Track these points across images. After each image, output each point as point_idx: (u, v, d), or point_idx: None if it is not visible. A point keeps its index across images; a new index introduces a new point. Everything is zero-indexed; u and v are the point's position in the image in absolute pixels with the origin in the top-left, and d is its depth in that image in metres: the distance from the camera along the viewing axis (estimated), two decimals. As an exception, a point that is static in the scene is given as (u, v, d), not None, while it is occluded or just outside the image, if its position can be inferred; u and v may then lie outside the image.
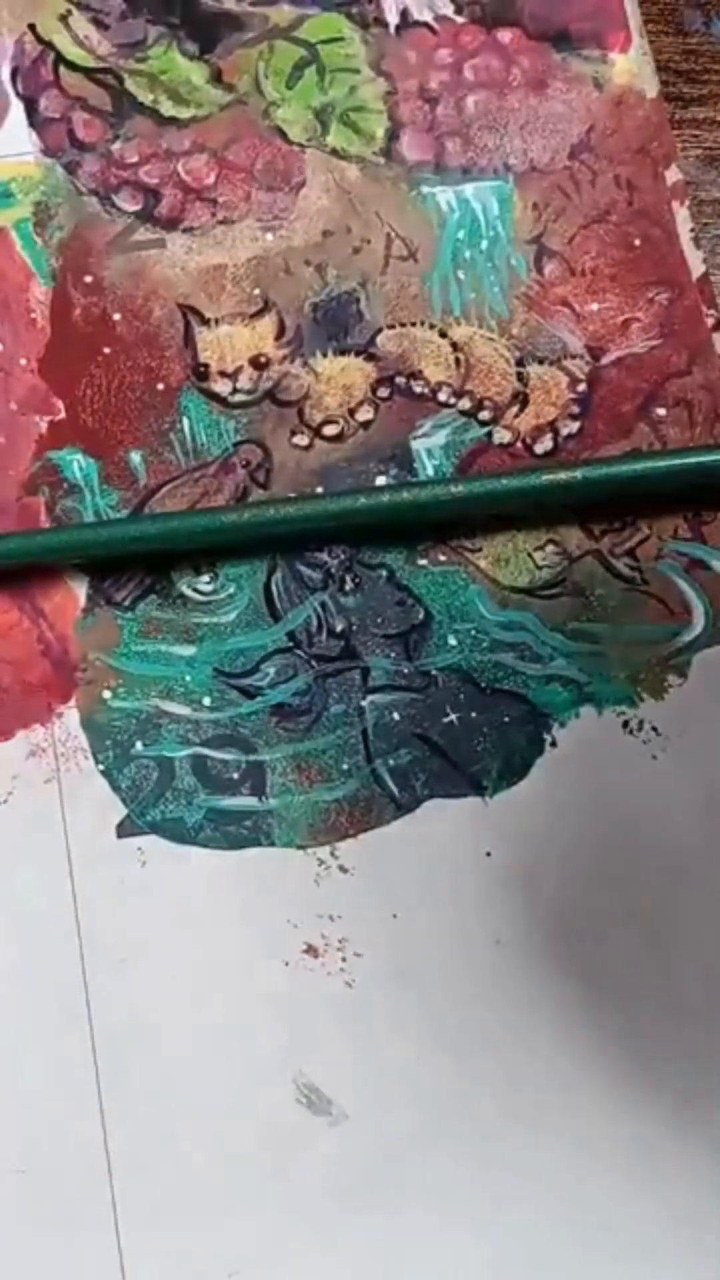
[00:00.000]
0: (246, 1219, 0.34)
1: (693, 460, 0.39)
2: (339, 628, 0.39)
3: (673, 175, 0.43)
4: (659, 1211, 0.35)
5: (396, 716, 0.38)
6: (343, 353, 0.41)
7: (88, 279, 0.41)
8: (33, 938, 0.36)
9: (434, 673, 0.38)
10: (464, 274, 0.42)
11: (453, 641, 0.39)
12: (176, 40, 0.43)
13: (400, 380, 0.41)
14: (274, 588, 0.39)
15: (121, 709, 0.37)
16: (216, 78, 0.43)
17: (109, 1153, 0.34)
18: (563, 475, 0.39)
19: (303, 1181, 0.35)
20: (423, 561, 0.39)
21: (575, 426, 0.41)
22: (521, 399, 0.41)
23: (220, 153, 0.43)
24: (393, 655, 0.38)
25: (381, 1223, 0.35)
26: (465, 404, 0.41)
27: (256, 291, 0.41)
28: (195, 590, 0.39)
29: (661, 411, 0.41)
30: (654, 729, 0.38)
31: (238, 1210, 0.34)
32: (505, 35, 0.44)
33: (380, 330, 0.41)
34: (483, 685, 0.38)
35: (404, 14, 0.44)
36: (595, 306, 0.42)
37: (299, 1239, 0.34)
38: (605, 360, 0.41)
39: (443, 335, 0.41)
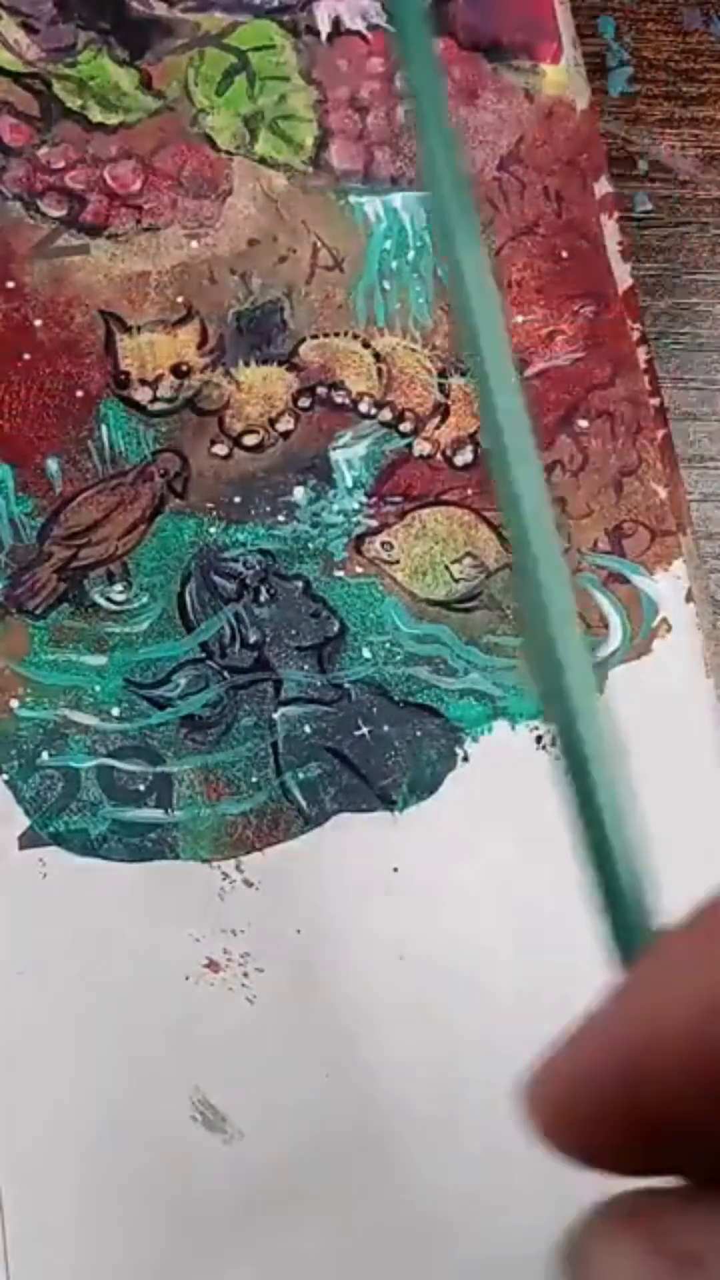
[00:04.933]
0: (139, 1236, 0.33)
1: None
2: (253, 639, 0.37)
3: (602, 188, 0.42)
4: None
5: (308, 729, 0.36)
6: (265, 362, 0.39)
7: (9, 284, 0.39)
8: (-67, 949, 0.34)
9: (347, 685, 0.37)
10: (389, 284, 0.40)
11: (367, 654, 0.37)
12: (106, 46, 0.42)
13: (322, 391, 0.39)
14: (188, 598, 0.37)
15: (29, 718, 0.36)
16: (146, 84, 0.42)
17: (-1, 1170, 0.33)
18: None
19: (198, 1199, 0.33)
20: (339, 573, 0.38)
21: (496, 438, 0.39)
22: (443, 410, 0.39)
23: (147, 159, 0.41)
24: (306, 667, 0.37)
25: (277, 1242, 0.33)
26: (386, 415, 0.39)
27: (180, 299, 0.40)
28: (108, 599, 0.37)
29: (584, 423, 0.40)
30: (567, 744, 0.37)
31: (130, 1227, 0.33)
32: (437, 45, 0.43)
33: (303, 340, 0.40)
34: (396, 698, 0.37)
35: (336, 22, 0.43)
36: (520, 318, 0.40)
37: (192, 1257, 0.33)
38: (529, 372, 0.40)
39: (366, 346, 0.40)
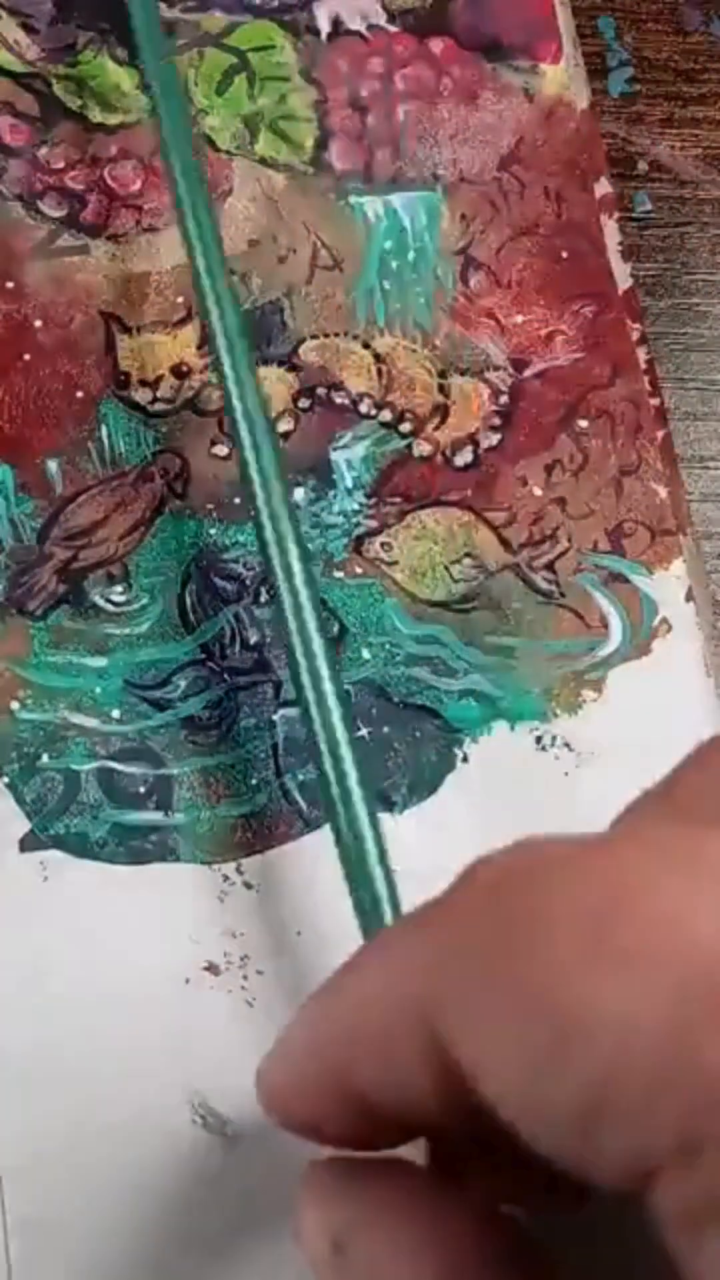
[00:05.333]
0: (139, 1238, 0.32)
1: None
2: (253, 640, 0.37)
3: (602, 188, 0.41)
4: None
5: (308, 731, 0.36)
6: (265, 363, 0.39)
7: (9, 285, 0.39)
8: (-67, 952, 0.34)
9: (347, 686, 0.36)
10: (390, 285, 0.40)
11: (367, 655, 0.37)
12: (106, 46, 0.41)
13: (321, 391, 0.39)
14: (188, 599, 0.37)
15: (29, 720, 0.35)
16: (146, 84, 0.41)
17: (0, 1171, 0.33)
18: None
19: (198, 1202, 0.33)
20: (339, 574, 0.37)
21: (496, 439, 0.39)
22: (442, 411, 0.39)
23: (148, 160, 0.41)
24: (306, 668, 0.37)
25: (277, 1243, 0.33)
26: (386, 415, 0.39)
27: (180, 300, 0.40)
28: (108, 601, 0.37)
29: (584, 423, 0.39)
30: (567, 745, 0.37)
31: (131, 1230, 0.33)
32: (437, 45, 0.42)
33: (303, 341, 0.39)
34: (395, 699, 0.37)
35: (336, 22, 0.42)
36: (520, 319, 0.40)
37: (193, 1260, 0.33)
38: (528, 372, 0.40)
39: (366, 346, 0.40)
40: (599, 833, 0.18)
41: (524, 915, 0.17)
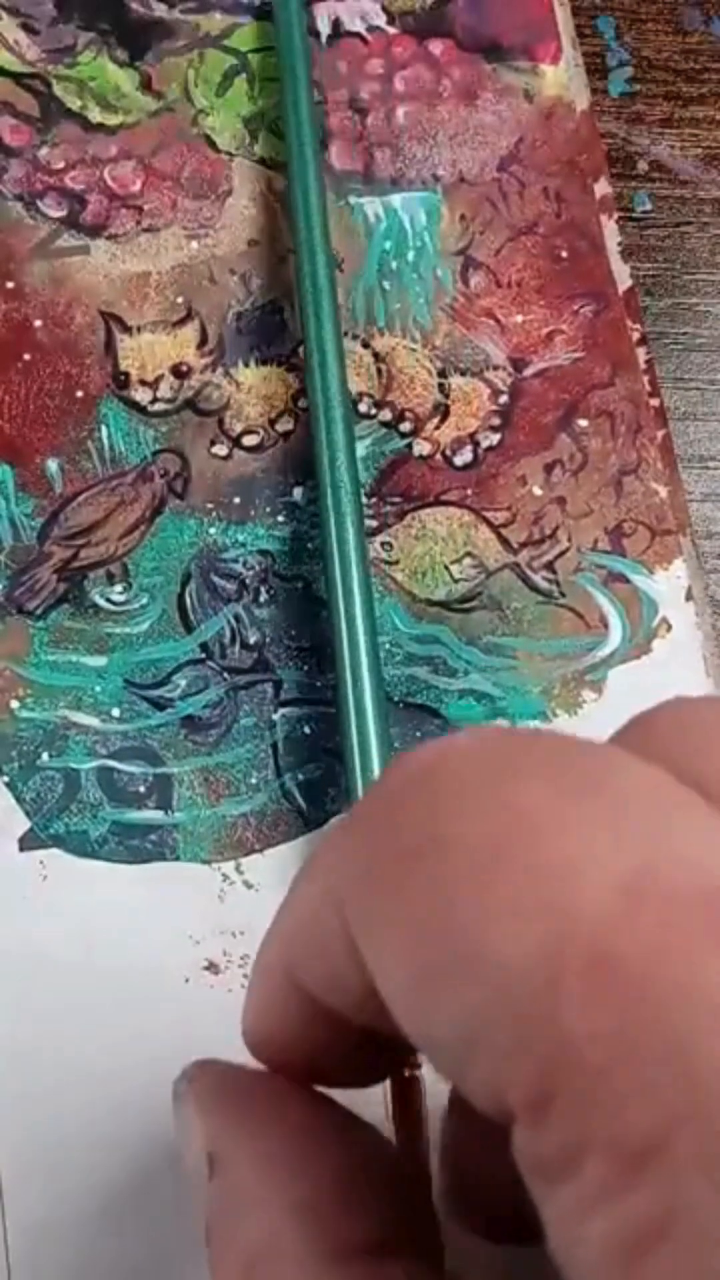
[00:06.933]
0: (139, 1238, 0.32)
1: None
2: (253, 639, 0.36)
3: (601, 188, 0.41)
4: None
5: (307, 730, 0.36)
6: (265, 362, 0.39)
7: (9, 285, 0.39)
8: (-66, 950, 0.34)
9: (347, 686, 0.36)
10: (389, 285, 0.40)
11: (367, 654, 0.36)
12: (106, 47, 0.41)
13: (321, 390, 0.39)
14: (188, 598, 0.37)
15: (29, 719, 0.35)
16: (146, 85, 0.41)
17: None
18: None
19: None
20: (339, 573, 0.37)
21: (496, 438, 0.39)
22: (442, 410, 0.39)
23: (147, 160, 0.40)
24: (306, 668, 0.36)
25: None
26: (386, 415, 0.39)
27: (180, 300, 0.39)
28: (108, 600, 0.36)
29: (583, 423, 0.39)
30: (567, 744, 0.36)
31: (130, 1229, 0.32)
32: (437, 46, 0.42)
33: (303, 340, 0.39)
34: (395, 699, 0.36)
35: (335, 24, 0.42)
36: (520, 318, 0.40)
37: (193, 1259, 0.32)
38: (528, 372, 0.39)
39: (365, 346, 0.39)
40: (525, 736, 0.18)
41: (423, 833, 0.17)
